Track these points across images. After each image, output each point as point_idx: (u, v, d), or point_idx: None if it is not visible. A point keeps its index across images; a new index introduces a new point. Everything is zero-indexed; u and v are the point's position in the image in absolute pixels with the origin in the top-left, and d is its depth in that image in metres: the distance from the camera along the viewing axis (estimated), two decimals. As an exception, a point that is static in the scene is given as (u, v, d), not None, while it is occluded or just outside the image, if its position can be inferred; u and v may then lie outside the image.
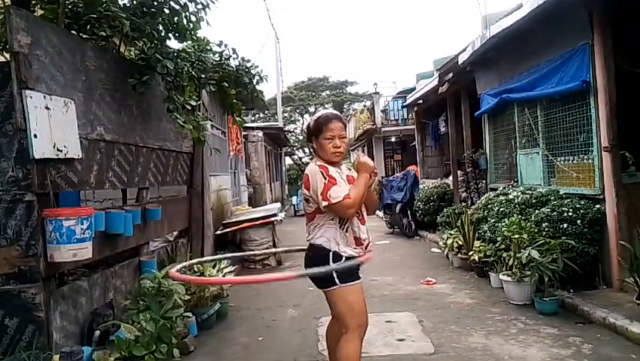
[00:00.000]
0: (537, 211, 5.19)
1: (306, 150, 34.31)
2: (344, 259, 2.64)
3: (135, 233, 4.22)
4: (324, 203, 2.58)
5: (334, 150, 2.69)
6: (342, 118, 2.81)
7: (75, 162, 3.43)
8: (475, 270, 6.28)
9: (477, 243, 6.10)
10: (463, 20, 62.61)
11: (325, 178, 2.61)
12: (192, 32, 4.72)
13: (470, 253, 6.17)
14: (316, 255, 2.72)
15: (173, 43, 4.80)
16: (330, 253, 2.65)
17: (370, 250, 2.80)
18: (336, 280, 2.63)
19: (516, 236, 4.90)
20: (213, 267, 5.09)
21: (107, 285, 3.98)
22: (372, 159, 20.43)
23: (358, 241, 2.71)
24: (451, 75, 8.33)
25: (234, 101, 5.97)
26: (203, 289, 4.66)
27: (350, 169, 2.90)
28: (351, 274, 2.67)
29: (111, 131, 4.02)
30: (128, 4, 4.25)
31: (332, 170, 2.67)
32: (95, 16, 3.97)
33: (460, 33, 50.68)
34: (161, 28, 4.44)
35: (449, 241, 7.00)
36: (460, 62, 7.34)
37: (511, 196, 5.85)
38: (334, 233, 2.68)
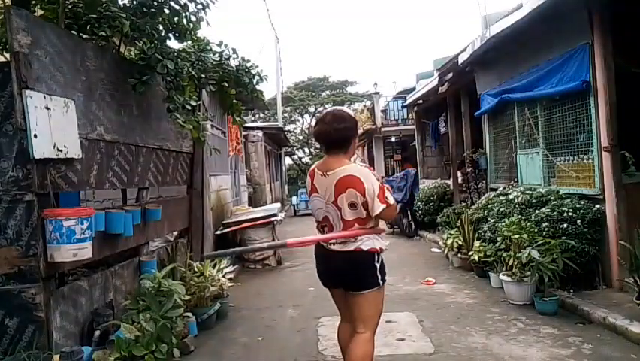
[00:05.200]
0: (537, 211, 5.19)
1: (306, 149, 34.32)
2: (380, 258, 2.70)
3: (135, 233, 4.22)
4: (382, 206, 2.56)
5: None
6: None
7: (75, 162, 3.42)
8: (475, 270, 6.29)
9: (477, 243, 6.10)
10: (463, 20, 62.54)
11: (379, 181, 2.62)
12: (192, 32, 4.72)
13: (470, 253, 6.18)
14: (363, 258, 2.65)
15: (173, 43, 4.81)
16: (376, 254, 2.66)
17: None
18: (380, 281, 2.66)
19: (516, 236, 4.90)
20: (213, 267, 5.09)
21: (107, 285, 3.98)
22: (372, 159, 20.29)
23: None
24: (451, 75, 8.34)
25: (234, 101, 5.96)
26: (203, 289, 4.67)
27: None
28: (385, 271, 2.75)
29: (111, 131, 4.01)
30: (128, 4, 4.24)
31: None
32: (95, 16, 3.96)
33: (460, 33, 50.60)
34: (161, 28, 4.43)
35: (449, 241, 7.01)
36: (460, 62, 7.34)
37: (511, 196, 5.86)
38: (373, 235, 2.70)
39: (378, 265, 2.65)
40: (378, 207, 2.55)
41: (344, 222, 2.64)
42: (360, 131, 19.24)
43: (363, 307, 2.68)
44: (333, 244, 2.69)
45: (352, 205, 2.60)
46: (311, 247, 2.90)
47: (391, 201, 2.63)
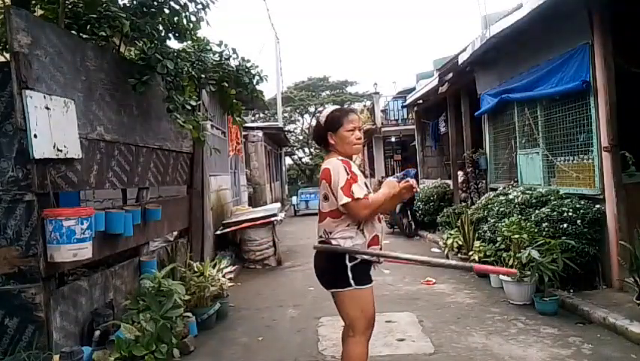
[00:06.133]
0: (537, 211, 5.19)
1: (306, 149, 34.32)
2: (359, 259, 2.58)
3: (135, 233, 4.22)
4: (345, 199, 2.51)
5: (356, 140, 2.72)
6: (357, 112, 2.89)
7: (75, 162, 3.42)
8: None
9: (477, 243, 6.10)
10: (463, 20, 62.59)
11: (348, 174, 2.57)
12: (192, 32, 4.72)
13: (470, 253, 6.18)
14: (332, 254, 2.63)
15: (173, 44, 4.81)
16: (347, 258, 2.58)
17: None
18: (351, 282, 2.57)
19: (516, 236, 4.90)
20: (213, 267, 5.09)
21: (107, 285, 3.98)
22: (372, 159, 20.19)
23: (376, 240, 2.68)
24: (451, 75, 8.34)
25: (234, 101, 5.96)
26: (203, 289, 4.67)
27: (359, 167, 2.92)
28: (366, 276, 2.63)
29: (111, 131, 4.01)
30: (128, 4, 4.24)
31: (354, 167, 2.66)
32: (95, 16, 3.97)
33: (460, 33, 50.64)
34: (161, 28, 4.44)
35: (449, 241, 7.01)
36: (460, 62, 7.34)
37: (511, 196, 5.86)
38: (353, 234, 2.62)
39: (350, 265, 2.56)
40: (341, 200, 2.51)
41: (320, 215, 2.70)
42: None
43: (342, 308, 2.66)
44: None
45: (325, 197, 2.65)
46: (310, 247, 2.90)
47: (357, 195, 2.51)
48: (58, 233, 3.01)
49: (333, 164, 2.62)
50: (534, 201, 5.43)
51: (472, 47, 6.73)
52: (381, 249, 2.73)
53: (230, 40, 19.77)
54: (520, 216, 5.30)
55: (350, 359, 2.62)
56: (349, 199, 2.51)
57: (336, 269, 2.60)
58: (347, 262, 2.56)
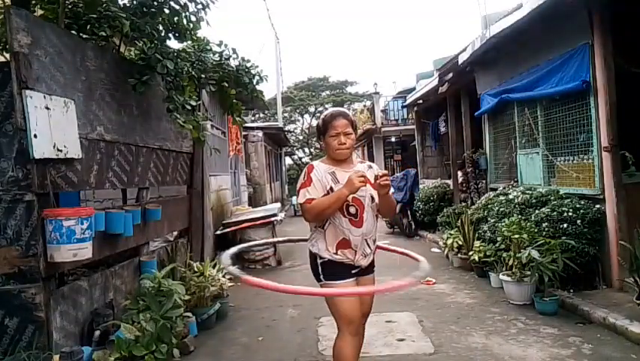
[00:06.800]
0: (537, 211, 5.19)
1: (306, 149, 34.32)
2: (326, 260, 2.71)
3: (135, 233, 4.21)
4: (297, 202, 2.78)
5: (339, 146, 2.73)
6: (347, 115, 2.83)
7: (75, 162, 3.42)
8: (475, 270, 6.28)
9: (477, 243, 6.10)
10: (463, 20, 62.68)
11: (304, 178, 2.72)
12: (192, 32, 4.72)
13: (470, 253, 6.18)
14: (310, 257, 2.84)
15: (173, 44, 4.81)
16: (317, 256, 2.76)
17: (367, 256, 2.79)
18: (321, 277, 2.75)
19: (516, 236, 4.90)
20: (213, 267, 5.09)
21: (107, 285, 3.98)
22: (372, 158, 20.15)
23: (346, 244, 2.69)
24: (451, 75, 8.34)
25: (234, 101, 5.96)
26: (203, 289, 4.67)
27: (371, 167, 2.93)
28: (338, 272, 2.71)
29: (111, 131, 4.01)
30: (128, 4, 4.24)
31: (318, 171, 2.72)
32: (95, 16, 3.96)
33: (460, 33, 50.74)
34: (161, 28, 4.43)
35: (449, 241, 7.01)
36: (460, 62, 7.34)
37: (511, 196, 5.86)
38: (318, 235, 2.77)
39: (319, 262, 2.75)
40: (295, 202, 2.70)
41: None
42: (360, 132, 19.47)
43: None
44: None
45: None
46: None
47: (300, 200, 2.69)
48: (58, 233, 3.01)
49: (305, 168, 2.82)
50: (534, 201, 5.43)
51: (472, 47, 6.73)
52: (359, 253, 2.73)
53: (230, 40, 19.78)
54: (520, 216, 5.30)
55: (333, 352, 2.74)
56: (297, 201, 2.75)
57: (312, 265, 2.82)
58: (317, 259, 2.74)
